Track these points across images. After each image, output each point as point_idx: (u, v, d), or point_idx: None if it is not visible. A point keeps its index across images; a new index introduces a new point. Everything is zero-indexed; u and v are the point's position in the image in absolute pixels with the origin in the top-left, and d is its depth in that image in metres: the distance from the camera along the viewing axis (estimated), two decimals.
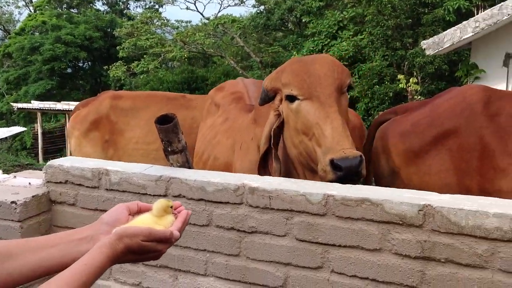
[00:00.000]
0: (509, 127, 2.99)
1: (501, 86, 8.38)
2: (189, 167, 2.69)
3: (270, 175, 2.85)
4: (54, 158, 3.03)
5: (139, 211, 1.45)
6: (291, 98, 2.73)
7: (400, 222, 2.12)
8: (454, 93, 3.34)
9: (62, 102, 22.63)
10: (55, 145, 23.92)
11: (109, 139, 5.01)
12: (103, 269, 1.24)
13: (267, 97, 2.92)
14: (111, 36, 29.19)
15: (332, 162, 2.44)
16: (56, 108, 20.98)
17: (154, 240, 1.33)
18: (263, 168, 2.92)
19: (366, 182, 3.63)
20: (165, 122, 2.56)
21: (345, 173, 2.41)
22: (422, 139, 3.18)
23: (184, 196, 2.48)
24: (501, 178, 2.93)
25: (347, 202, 2.19)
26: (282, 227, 2.31)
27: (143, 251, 1.33)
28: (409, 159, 3.20)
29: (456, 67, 13.54)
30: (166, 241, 1.35)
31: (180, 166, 2.64)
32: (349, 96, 3.51)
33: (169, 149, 2.60)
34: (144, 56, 23.90)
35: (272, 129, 2.84)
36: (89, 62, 32.98)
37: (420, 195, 2.17)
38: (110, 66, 25.16)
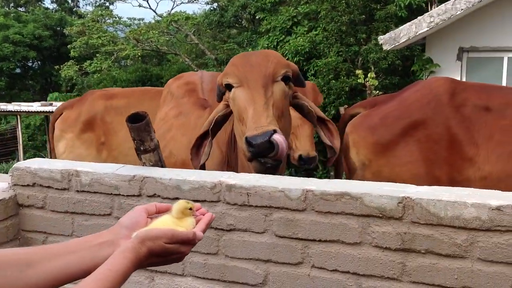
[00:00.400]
0: (474, 118, 3.07)
1: None
2: (162, 166, 2.64)
3: (199, 159, 2.97)
4: (7, 162, 2.93)
5: (158, 213, 1.42)
6: (229, 87, 2.88)
7: (380, 215, 2.13)
8: (421, 85, 3.41)
9: (13, 103, 22.03)
10: (7, 148, 23.29)
11: (105, 141, 4.83)
12: (127, 274, 1.21)
13: (220, 93, 3.01)
14: (61, 35, 28.61)
15: (246, 139, 2.55)
16: (7, 109, 20.40)
17: (177, 242, 1.31)
18: (196, 150, 3.02)
19: (337, 174, 3.66)
20: (137, 121, 2.50)
21: (257, 149, 2.50)
22: (391, 131, 3.23)
23: (159, 196, 2.43)
24: (469, 167, 3.01)
25: (327, 197, 2.18)
26: (261, 224, 2.29)
27: (166, 253, 1.30)
28: (379, 152, 3.25)
29: (408, 62, 13.78)
30: (189, 242, 1.33)
31: (152, 165, 2.59)
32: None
33: (142, 148, 2.55)
34: (97, 55, 23.50)
35: (217, 116, 2.96)
36: (39, 62, 32.23)
37: (399, 188, 2.18)
38: (61, 66, 24.63)
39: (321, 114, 3.15)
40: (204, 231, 1.37)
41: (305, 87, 3.35)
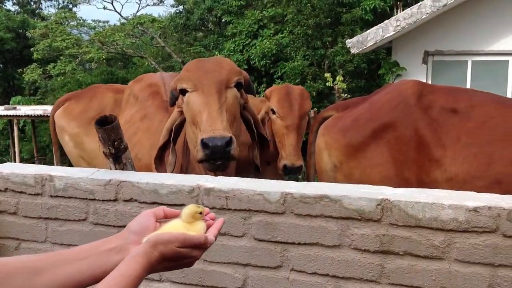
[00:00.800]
0: (441, 120, 3.13)
1: None
2: (132, 168, 2.62)
3: (165, 168, 3.06)
4: None
5: (165, 217, 1.39)
6: (183, 92, 2.97)
7: (359, 218, 2.14)
8: (390, 88, 3.46)
9: None
10: None
11: None
12: (139, 279, 1.19)
13: (174, 97, 3.10)
14: (24, 37, 28.05)
15: (202, 141, 2.67)
16: None
17: (189, 246, 1.28)
18: (159, 161, 3.09)
19: (308, 178, 3.68)
20: (105, 124, 2.48)
21: (212, 151, 2.64)
22: (362, 133, 3.27)
23: (136, 200, 2.40)
24: (436, 169, 3.06)
25: (306, 200, 2.19)
26: (240, 228, 2.28)
27: (178, 257, 1.28)
28: (350, 154, 3.28)
29: (374, 65, 13.95)
30: (201, 246, 1.30)
31: (130, 163, 2.57)
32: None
33: (122, 147, 2.52)
34: (60, 57, 23.13)
35: (174, 125, 3.04)
36: (1, 65, 31.56)
37: (378, 190, 2.20)
38: (24, 69, 24.16)
39: (262, 131, 3.28)
40: (215, 236, 1.35)
41: (255, 95, 3.53)
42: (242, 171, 3.71)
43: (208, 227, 1.36)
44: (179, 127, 3.08)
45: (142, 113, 3.91)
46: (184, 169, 3.20)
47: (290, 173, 4.28)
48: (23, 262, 1.24)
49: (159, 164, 3.09)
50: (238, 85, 3.02)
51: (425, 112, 3.17)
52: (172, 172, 3.13)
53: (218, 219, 1.41)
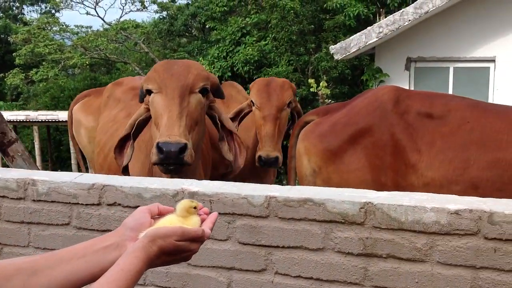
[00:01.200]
0: (417, 125, 3.17)
1: None
2: (24, 162, 2.63)
3: (123, 159, 3.17)
4: None
5: (159, 214, 1.39)
6: (149, 92, 3.04)
7: (342, 221, 2.15)
8: (368, 94, 3.51)
9: None
10: None
11: None
12: (139, 274, 1.20)
13: (142, 94, 3.19)
14: (6, 43, 27.83)
15: (157, 145, 2.76)
16: None
17: (187, 239, 1.29)
18: (119, 150, 3.22)
19: (289, 180, 3.69)
20: None
21: (165, 156, 2.73)
22: (340, 139, 3.30)
23: (119, 204, 2.39)
24: (412, 173, 3.09)
25: (290, 203, 2.20)
26: (224, 231, 2.28)
27: (177, 251, 1.29)
28: (328, 159, 3.31)
29: (357, 71, 14.05)
30: (198, 239, 1.31)
31: (21, 156, 2.56)
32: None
33: (6, 141, 2.51)
34: (43, 63, 22.96)
35: (138, 120, 3.14)
36: None
37: (361, 193, 2.22)
38: (6, 74, 23.96)
39: (230, 126, 3.35)
40: (211, 229, 1.36)
41: (224, 98, 3.54)
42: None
43: (202, 221, 1.37)
44: (143, 122, 3.16)
45: (127, 112, 4.02)
46: (149, 165, 3.25)
47: (266, 165, 4.23)
48: (18, 264, 1.24)
49: (119, 154, 3.20)
50: (204, 91, 3.09)
51: (401, 117, 3.21)
52: (139, 170, 3.30)
53: (212, 212, 1.42)
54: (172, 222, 1.33)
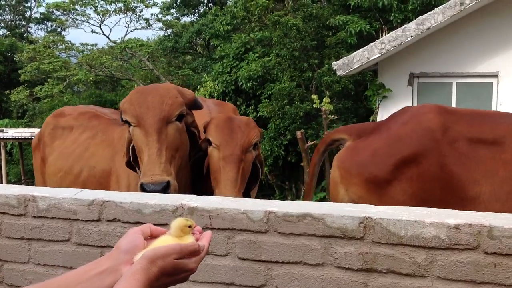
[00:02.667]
0: (471, 153, 2.95)
1: (407, 104, 8.78)
2: None
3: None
4: None
5: (152, 234, 1.36)
6: (128, 123, 3.17)
7: (342, 236, 2.15)
8: (408, 117, 3.26)
9: None
10: None
11: None
12: None
13: (122, 117, 3.28)
14: (12, 61, 28.02)
15: (141, 185, 2.92)
16: None
17: (186, 254, 1.27)
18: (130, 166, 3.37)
19: (305, 197, 3.61)
20: None
21: None
22: (383, 169, 3.10)
23: (119, 220, 2.39)
24: (472, 207, 2.84)
25: (289, 218, 2.20)
26: (223, 247, 2.28)
27: (177, 270, 1.26)
28: (370, 190, 3.11)
29: (360, 86, 14.08)
30: (196, 254, 1.29)
31: None
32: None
33: None
34: (48, 80, 23.10)
35: (130, 146, 3.27)
36: None
37: (360, 208, 2.21)
38: (11, 91, 24.11)
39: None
40: (207, 247, 1.35)
41: (202, 108, 3.58)
42: None
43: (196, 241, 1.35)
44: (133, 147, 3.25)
45: (91, 132, 4.17)
46: None
47: None
48: None
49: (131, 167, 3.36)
50: (180, 117, 3.19)
51: (452, 146, 2.99)
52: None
53: (206, 231, 1.40)
54: (166, 242, 1.31)
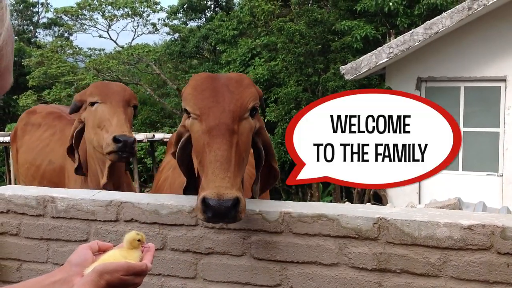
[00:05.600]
0: None
1: None
2: None
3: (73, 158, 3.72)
4: None
5: (99, 250, 1.53)
6: (92, 104, 3.57)
7: (356, 236, 2.18)
8: None
9: None
10: None
11: None
12: None
13: (76, 107, 3.75)
14: (20, 65, 28.16)
15: (115, 137, 3.29)
16: None
17: (132, 274, 1.42)
18: (70, 152, 3.76)
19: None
20: None
21: (123, 145, 3.28)
22: None
23: (136, 221, 2.44)
24: None
25: (304, 219, 2.23)
26: (239, 247, 2.32)
27: (123, 285, 1.40)
28: None
29: None
30: (142, 273, 1.44)
31: None
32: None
33: None
34: (56, 84, 23.20)
35: (75, 131, 3.67)
36: None
37: (374, 209, 2.25)
38: (19, 96, 24.21)
39: None
40: (151, 262, 1.51)
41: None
42: None
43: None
44: (79, 133, 3.68)
45: (52, 131, 4.70)
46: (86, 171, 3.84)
47: (215, 217, 2.04)
48: None
49: (71, 153, 3.76)
50: (135, 107, 3.72)
51: None
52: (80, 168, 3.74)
53: (149, 244, 1.56)
54: (115, 257, 1.46)
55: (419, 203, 8.40)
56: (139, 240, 1.51)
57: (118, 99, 3.57)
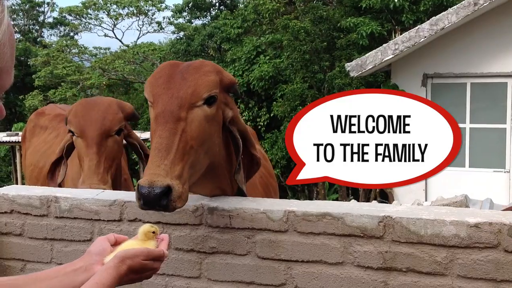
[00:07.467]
0: None
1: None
2: None
3: (55, 182, 3.47)
4: None
5: (115, 242, 1.63)
6: (72, 133, 3.39)
7: (361, 235, 2.16)
8: None
9: None
10: None
11: None
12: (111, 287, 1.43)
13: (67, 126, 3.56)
14: (26, 65, 28.24)
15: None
16: None
17: (152, 258, 1.53)
18: (51, 175, 3.54)
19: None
20: None
21: None
22: None
23: (140, 220, 2.42)
24: None
25: (308, 217, 2.21)
26: (243, 246, 2.30)
27: (143, 269, 1.51)
28: None
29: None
30: (160, 258, 1.56)
31: None
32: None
33: None
34: (62, 84, 23.26)
35: (66, 144, 3.47)
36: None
37: (379, 207, 2.23)
38: (25, 96, 24.29)
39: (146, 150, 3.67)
40: (167, 250, 1.62)
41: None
42: None
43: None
44: (71, 146, 3.48)
45: (56, 133, 4.65)
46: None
47: (145, 205, 2.09)
48: (4, 281, 1.48)
49: (51, 178, 3.54)
50: (119, 131, 3.44)
51: None
52: (75, 174, 3.56)
53: (162, 235, 1.67)
54: (133, 246, 1.56)
55: (426, 200, 8.36)
56: (153, 232, 1.62)
57: (93, 134, 3.27)
